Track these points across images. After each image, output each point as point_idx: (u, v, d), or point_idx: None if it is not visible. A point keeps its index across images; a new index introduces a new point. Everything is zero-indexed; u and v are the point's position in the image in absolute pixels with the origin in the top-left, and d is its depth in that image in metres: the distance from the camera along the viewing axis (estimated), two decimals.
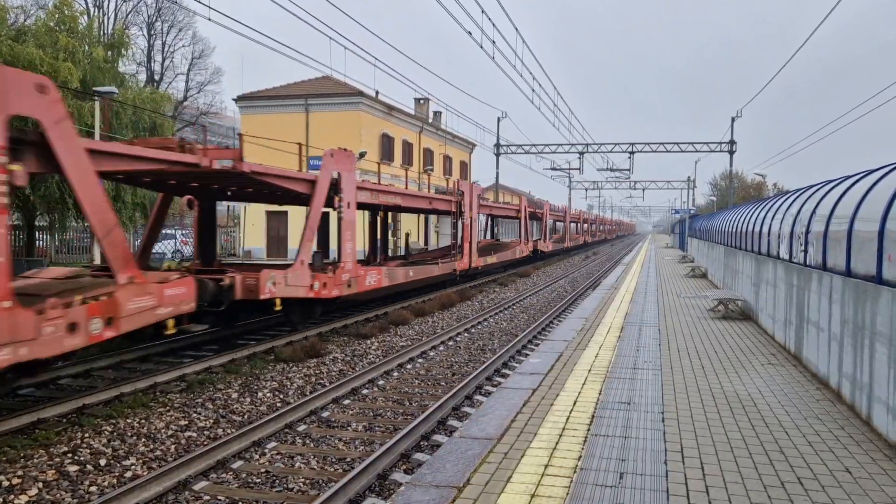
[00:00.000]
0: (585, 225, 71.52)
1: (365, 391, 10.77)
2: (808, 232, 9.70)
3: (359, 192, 17.03)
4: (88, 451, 7.79)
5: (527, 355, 13.04)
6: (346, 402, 10.12)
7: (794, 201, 11.44)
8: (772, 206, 13.61)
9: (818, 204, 9.50)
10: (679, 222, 62.69)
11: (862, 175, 8.56)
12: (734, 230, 18.54)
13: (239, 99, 41.47)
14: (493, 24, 21.03)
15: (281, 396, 10.39)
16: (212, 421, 9.08)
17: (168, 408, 9.51)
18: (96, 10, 42.32)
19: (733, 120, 42.27)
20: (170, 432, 8.53)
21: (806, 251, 9.80)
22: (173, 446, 8.08)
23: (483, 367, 11.86)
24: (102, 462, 7.49)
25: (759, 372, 9.14)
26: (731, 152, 44.24)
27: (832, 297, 8.12)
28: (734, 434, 6.42)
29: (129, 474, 7.21)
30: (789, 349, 10.51)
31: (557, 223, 56.27)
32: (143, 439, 8.24)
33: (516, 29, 22.76)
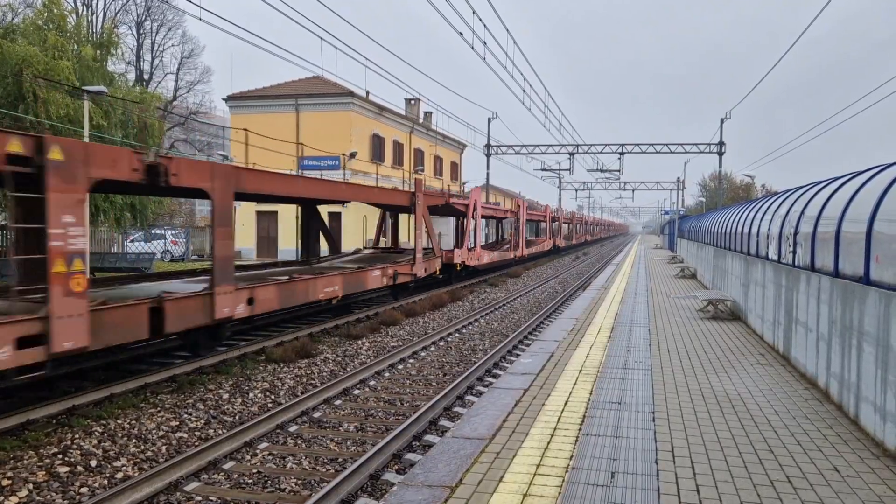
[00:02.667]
0: (566, 226, 67.58)
1: (356, 391, 10.77)
2: (796, 233, 9.78)
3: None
4: (79, 452, 7.76)
5: (518, 355, 13.08)
6: (338, 402, 10.12)
7: (782, 202, 11.54)
8: (761, 207, 13.71)
9: (807, 205, 9.58)
10: (668, 223, 63.02)
11: (850, 177, 8.65)
12: (723, 231, 18.66)
13: (229, 99, 41.34)
14: (485, 26, 21.07)
15: (272, 397, 10.38)
16: (203, 421, 9.06)
17: (159, 408, 9.48)
18: (85, 8, 42.06)
19: (722, 121, 42.56)
20: (161, 433, 8.50)
21: (794, 252, 9.89)
22: (164, 447, 8.06)
23: (474, 367, 11.89)
24: (93, 463, 7.46)
25: (748, 372, 9.21)
26: (721, 153, 44.52)
27: (820, 297, 8.19)
28: (724, 433, 6.48)
29: (120, 475, 7.19)
30: (778, 349, 10.60)
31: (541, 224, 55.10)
32: (134, 440, 8.21)
33: (507, 30, 22.82)
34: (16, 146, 7.95)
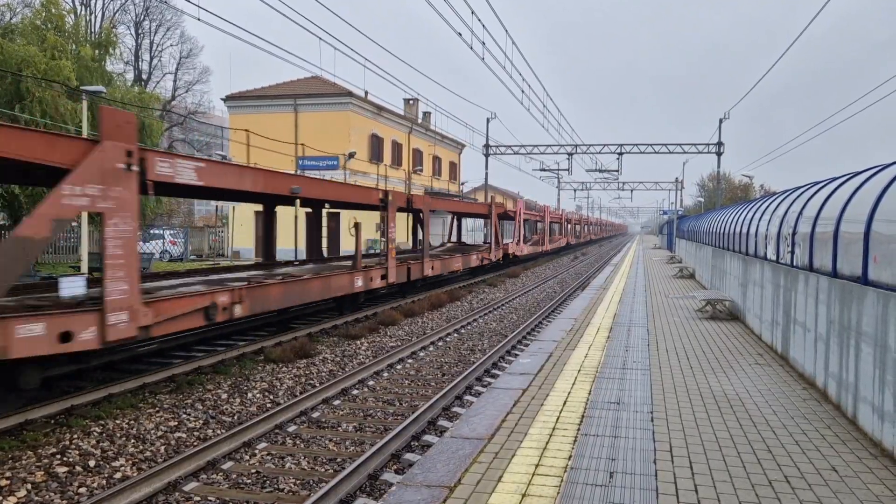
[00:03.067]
0: (576, 227, 72.67)
1: (355, 392, 10.77)
2: (794, 233, 9.80)
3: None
4: (77, 452, 7.75)
5: (517, 355, 13.08)
6: (337, 402, 10.12)
7: (780, 203, 11.55)
8: (759, 207, 13.73)
9: (805, 205, 9.60)
10: (667, 223, 63.07)
11: (848, 177, 8.67)
12: (722, 231, 18.68)
13: (227, 99, 41.33)
14: (484, 26, 21.08)
15: (271, 397, 10.38)
16: (201, 422, 9.06)
17: (157, 408, 9.47)
18: (83, 8, 42.04)
19: (721, 122, 42.56)
20: (159, 433, 8.50)
21: (793, 252, 9.90)
22: (163, 447, 8.05)
23: (473, 367, 11.89)
24: (91, 463, 7.45)
25: (746, 372, 9.22)
26: (719, 154, 44.53)
27: (818, 297, 8.21)
28: (722, 433, 6.48)
29: (118, 475, 7.19)
30: (776, 349, 10.61)
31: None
32: (133, 440, 8.21)
33: (506, 31, 22.83)
34: None
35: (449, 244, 34.52)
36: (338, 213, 35.70)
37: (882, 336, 6.06)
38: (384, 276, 18.16)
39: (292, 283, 13.90)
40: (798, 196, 10.50)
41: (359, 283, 16.75)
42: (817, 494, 5.04)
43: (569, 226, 63.65)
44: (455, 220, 35.54)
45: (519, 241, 38.06)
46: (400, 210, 20.35)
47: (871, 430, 6.33)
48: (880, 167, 7.65)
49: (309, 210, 20.58)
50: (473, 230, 59.83)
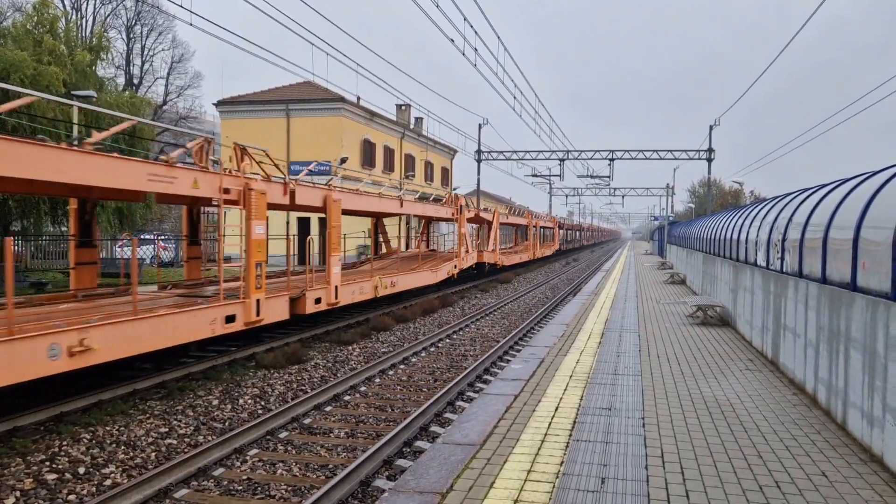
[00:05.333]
0: (567, 232, 73.09)
1: (347, 397, 10.75)
2: (784, 239, 9.86)
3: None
4: (67, 459, 7.71)
5: (508, 361, 13.09)
6: (328, 408, 10.10)
7: (771, 209, 11.63)
8: (749, 213, 13.81)
9: (794, 212, 9.67)
10: (658, 229, 63.32)
11: (837, 184, 8.74)
12: (712, 237, 18.77)
13: (219, 104, 41.23)
14: (476, 32, 21.15)
15: (262, 403, 10.34)
16: (192, 428, 9.02)
17: (148, 415, 9.42)
18: (74, 12, 41.89)
19: (711, 128, 42.80)
20: (150, 439, 8.46)
21: (783, 258, 9.97)
22: (154, 454, 8.01)
23: (465, 373, 11.89)
24: (81, 470, 7.40)
25: (737, 377, 9.26)
26: (710, 160, 44.76)
27: (808, 303, 8.26)
28: (713, 439, 6.51)
29: (108, 482, 7.14)
30: (767, 355, 10.67)
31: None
32: (123, 447, 8.16)
33: (498, 37, 22.91)
34: None
35: (406, 252, 29.64)
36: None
37: (871, 342, 6.11)
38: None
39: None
40: (788, 202, 10.58)
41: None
42: (807, 500, 5.07)
43: (560, 231, 63.28)
44: (424, 224, 31.45)
45: (496, 247, 34.80)
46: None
47: (860, 436, 6.37)
48: (869, 174, 7.72)
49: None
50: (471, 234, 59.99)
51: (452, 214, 27.57)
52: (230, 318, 12.04)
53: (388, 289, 19.18)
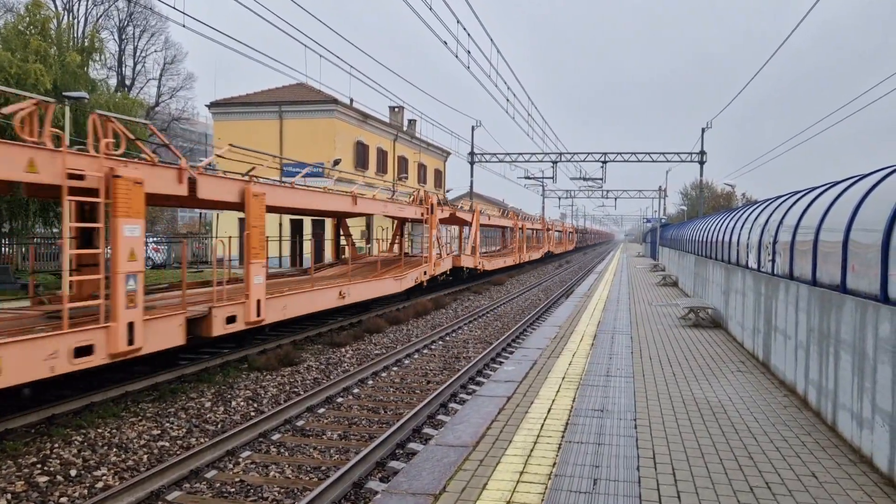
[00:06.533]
0: (557, 234, 72.71)
1: (340, 399, 10.74)
2: (775, 242, 9.93)
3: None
4: (58, 461, 7.68)
5: (501, 363, 13.11)
6: (321, 410, 10.09)
7: (762, 212, 11.69)
8: (741, 216, 13.88)
9: (785, 214, 9.73)
10: (650, 231, 63.51)
11: (827, 186, 8.80)
12: (704, 240, 18.85)
13: (212, 105, 41.13)
14: (469, 35, 21.19)
15: (255, 405, 10.33)
16: (185, 430, 9.00)
17: (140, 417, 9.40)
18: (66, 13, 41.72)
19: (703, 131, 42.98)
20: (142, 442, 8.43)
21: (773, 261, 10.03)
22: (146, 456, 7.99)
23: (458, 375, 11.91)
24: (73, 473, 7.38)
25: (728, 379, 9.31)
26: (702, 162, 44.93)
27: (798, 305, 8.32)
28: (705, 440, 6.55)
29: (100, 485, 7.12)
30: (758, 356, 10.72)
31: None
32: (115, 449, 8.14)
33: (491, 40, 22.96)
34: None
35: (373, 257, 25.89)
36: (322, 221, 35.63)
37: (860, 344, 6.16)
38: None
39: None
40: (779, 205, 10.64)
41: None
42: (797, 501, 5.10)
43: (550, 233, 62.52)
44: (397, 226, 27.76)
45: (474, 250, 31.45)
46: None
47: (850, 437, 6.42)
48: (858, 177, 7.78)
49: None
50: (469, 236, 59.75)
51: (422, 214, 24.09)
52: (83, 351, 8.90)
53: (338, 301, 16.48)
